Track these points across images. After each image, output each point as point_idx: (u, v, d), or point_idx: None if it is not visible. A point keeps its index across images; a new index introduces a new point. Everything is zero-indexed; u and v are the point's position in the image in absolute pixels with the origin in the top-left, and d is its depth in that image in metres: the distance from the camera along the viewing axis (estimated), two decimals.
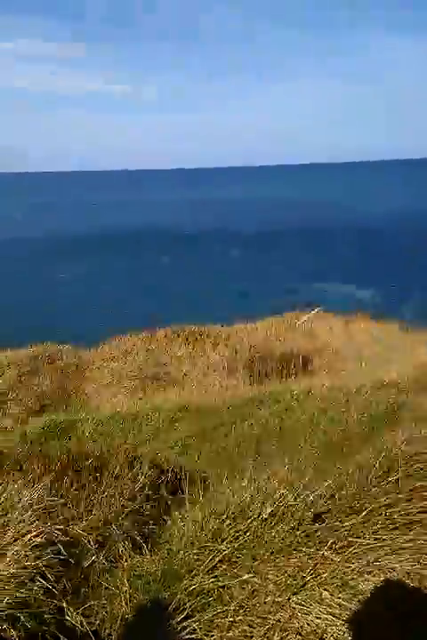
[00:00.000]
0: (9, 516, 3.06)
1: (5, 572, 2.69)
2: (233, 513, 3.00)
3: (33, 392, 9.40)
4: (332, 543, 2.78)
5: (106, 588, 2.78)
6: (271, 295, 34.90)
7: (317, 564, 2.72)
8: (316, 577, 2.65)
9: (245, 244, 61.26)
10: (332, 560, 2.71)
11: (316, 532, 2.85)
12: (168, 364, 10.73)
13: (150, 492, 3.84)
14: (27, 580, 2.69)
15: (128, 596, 2.82)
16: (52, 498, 3.10)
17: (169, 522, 3.62)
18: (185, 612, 2.70)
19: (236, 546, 2.86)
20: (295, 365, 12.68)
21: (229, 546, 2.87)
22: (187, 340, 13.45)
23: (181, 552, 3.08)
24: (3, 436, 6.35)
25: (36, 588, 2.68)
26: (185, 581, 2.88)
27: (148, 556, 3.21)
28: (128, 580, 2.76)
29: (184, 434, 6.65)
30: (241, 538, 2.88)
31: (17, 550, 2.80)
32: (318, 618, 2.58)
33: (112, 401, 7.39)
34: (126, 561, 2.91)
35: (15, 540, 2.85)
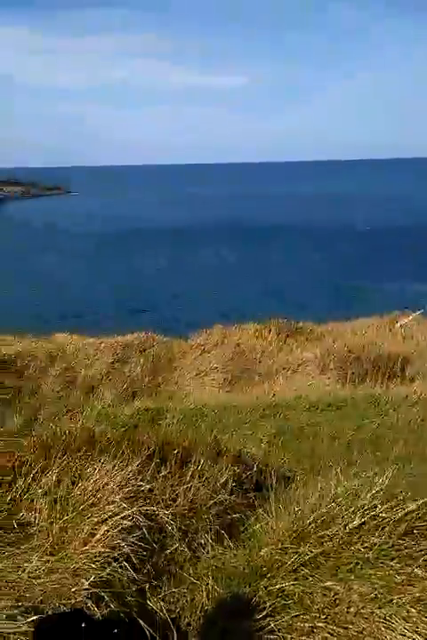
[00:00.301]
0: (99, 495, 3.18)
1: (94, 551, 2.79)
2: (319, 517, 2.91)
3: (124, 379, 9.72)
4: (423, 561, 2.62)
5: (188, 576, 2.81)
6: (374, 294, 33.72)
7: (405, 580, 2.57)
8: (404, 593, 2.51)
9: (357, 239, 59.26)
10: (422, 578, 2.56)
11: (406, 547, 2.70)
12: (258, 359, 10.72)
13: (235, 486, 3.84)
14: (112, 561, 2.78)
15: (209, 587, 2.83)
16: (140, 482, 3.17)
17: (252, 518, 3.59)
18: (265, 611, 2.67)
19: (320, 551, 2.77)
20: (392, 369, 12.17)
21: (313, 550, 2.79)
22: (278, 334, 13.33)
23: (264, 550, 3.05)
24: (95, 419, 6.61)
25: (120, 569, 2.76)
26: (266, 580, 2.84)
27: (230, 550, 3.21)
28: (210, 572, 2.77)
29: (271, 430, 6.60)
30: (326, 543, 2.79)
31: (106, 530, 2.90)
32: (402, 635, 2.45)
33: (200, 392, 7.50)
34: (209, 552, 2.93)
35: (104, 521, 2.95)
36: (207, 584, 2.84)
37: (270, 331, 13.57)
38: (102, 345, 10.51)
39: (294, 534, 2.94)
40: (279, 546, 2.95)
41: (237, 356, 8.89)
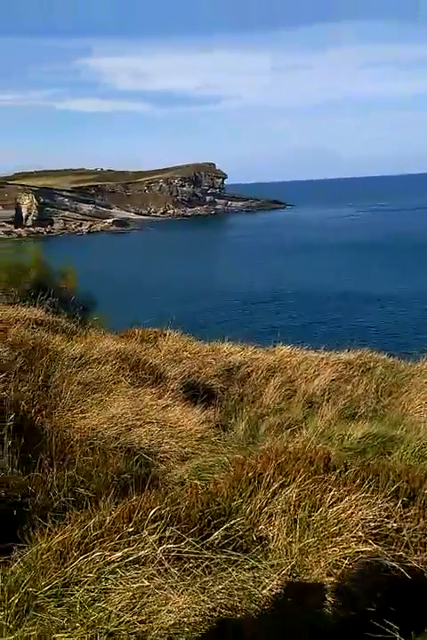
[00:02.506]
0: (341, 526, 3.04)
1: (335, 587, 2.67)
2: None
3: (345, 398, 9.43)
4: None
5: None
6: None
7: None
8: None
9: None
10: None
11: None
12: None
13: None
14: (362, 597, 2.62)
15: None
16: (386, 520, 2.96)
17: None
18: None
19: None
20: None
21: None
22: None
23: None
24: (318, 438, 6.48)
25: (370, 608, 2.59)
26: None
27: None
28: None
29: None
30: None
31: (348, 566, 2.76)
32: None
33: None
34: None
35: (347, 557, 2.81)
36: None
37: None
38: (324, 361, 10.41)
39: None
40: None
41: None
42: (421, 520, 3.02)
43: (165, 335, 11.50)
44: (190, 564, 2.93)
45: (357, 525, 2.93)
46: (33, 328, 8.99)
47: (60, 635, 2.52)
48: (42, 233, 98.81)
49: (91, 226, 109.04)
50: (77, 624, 2.59)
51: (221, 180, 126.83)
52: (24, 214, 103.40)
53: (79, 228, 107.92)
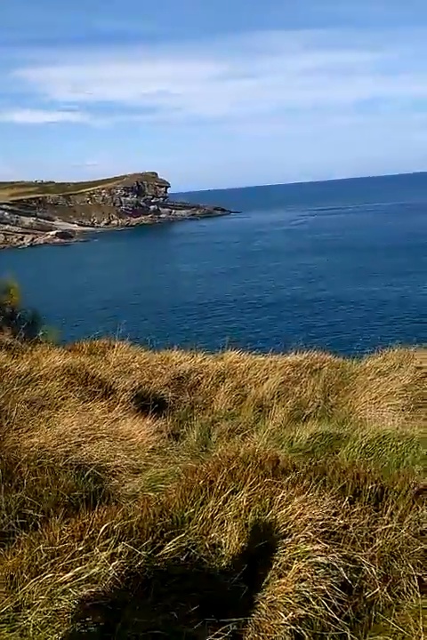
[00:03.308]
0: (290, 527, 3.11)
1: (288, 588, 2.72)
2: None
3: (294, 400, 9.59)
4: None
5: (393, 624, 2.60)
6: None
7: None
8: None
9: None
10: None
11: None
12: None
13: None
14: (310, 598, 2.69)
15: (415, 638, 2.60)
16: (334, 517, 3.04)
17: None
18: None
19: None
20: None
21: None
22: None
23: None
24: (269, 440, 6.57)
25: (318, 608, 2.66)
26: None
27: None
28: (419, 622, 2.54)
29: None
30: None
31: (299, 567, 2.82)
32: None
33: (378, 419, 7.11)
34: (413, 601, 2.69)
35: (296, 558, 2.87)
36: (412, 635, 2.60)
37: None
38: (272, 364, 10.55)
39: None
40: None
41: (416, 380, 8.30)
42: (366, 515, 3.13)
43: (113, 347, 11.37)
44: (143, 579, 2.92)
45: (305, 525, 3.01)
46: None
47: None
48: None
49: (33, 239, 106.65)
50: None
51: (164, 188, 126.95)
52: None
53: (21, 242, 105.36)
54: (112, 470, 5.80)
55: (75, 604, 2.75)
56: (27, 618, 2.69)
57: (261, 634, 2.51)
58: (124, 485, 5.54)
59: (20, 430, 6.20)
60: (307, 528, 2.96)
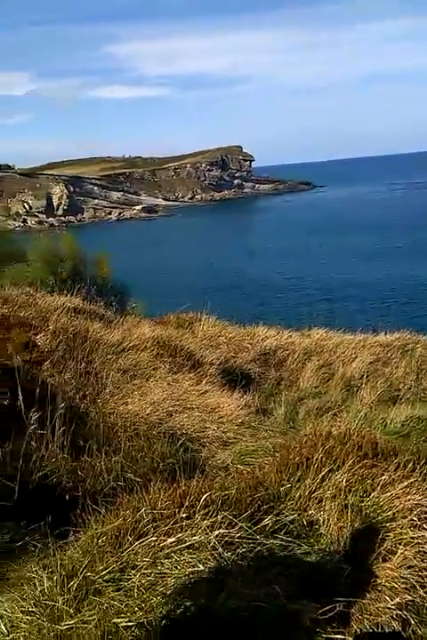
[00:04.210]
0: (394, 511, 3.02)
1: (394, 573, 2.65)
2: None
3: (384, 380, 9.31)
4: None
5: None
6: None
7: None
8: None
9: None
10: None
11: None
12: None
13: None
14: (416, 585, 2.60)
15: None
16: None
17: None
18: None
19: None
20: None
21: None
22: None
23: None
24: (362, 422, 6.41)
25: (426, 595, 2.57)
26: None
27: None
28: None
29: None
30: None
31: (404, 553, 2.73)
32: None
33: None
34: None
35: (402, 543, 2.78)
36: None
37: None
38: (361, 343, 10.29)
39: None
40: None
41: None
42: None
43: (200, 321, 11.53)
44: (243, 549, 2.95)
45: (411, 511, 2.90)
46: (72, 316, 9.13)
47: (120, 619, 2.57)
48: (72, 222, 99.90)
49: (120, 213, 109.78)
50: (136, 608, 2.63)
51: (248, 162, 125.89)
52: (55, 204, 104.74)
53: (109, 216, 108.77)
54: (202, 441, 5.90)
55: (177, 568, 2.82)
56: (131, 579, 2.79)
57: (366, 616, 2.46)
58: (213, 456, 5.62)
59: (114, 397, 6.45)
60: (413, 514, 2.86)
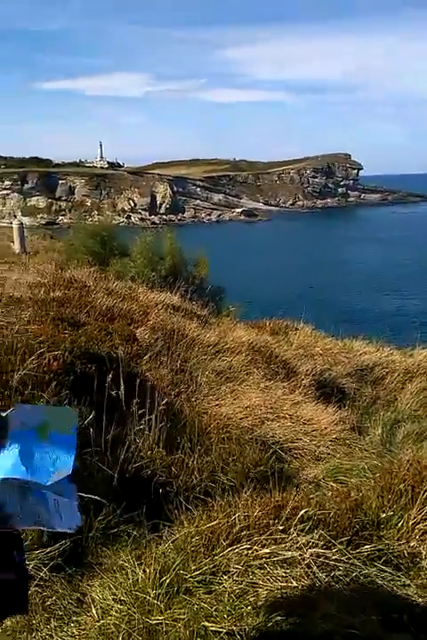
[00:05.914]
0: None
1: None
2: None
3: None
4: None
5: None
6: None
7: None
8: None
9: None
10: None
11: None
12: None
13: None
14: None
15: None
16: None
17: None
18: None
19: None
20: None
21: None
22: None
23: None
24: None
25: None
26: None
27: None
28: None
29: None
30: None
31: None
32: None
33: None
34: None
35: None
36: None
37: None
38: None
39: None
40: None
41: None
42: None
43: (296, 329, 11.37)
44: (339, 572, 2.83)
45: None
46: (170, 313, 9.33)
47: (210, 623, 2.54)
48: (173, 220, 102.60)
49: (219, 215, 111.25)
50: (226, 614, 2.60)
51: (356, 171, 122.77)
52: (158, 202, 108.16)
53: (208, 217, 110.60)
54: (294, 452, 5.78)
55: (269, 580, 2.75)
56: (222, 583, 2.76)
57: None
58: (304, 469, 5.49)
59: (208, 398, 6.48)
60: None
